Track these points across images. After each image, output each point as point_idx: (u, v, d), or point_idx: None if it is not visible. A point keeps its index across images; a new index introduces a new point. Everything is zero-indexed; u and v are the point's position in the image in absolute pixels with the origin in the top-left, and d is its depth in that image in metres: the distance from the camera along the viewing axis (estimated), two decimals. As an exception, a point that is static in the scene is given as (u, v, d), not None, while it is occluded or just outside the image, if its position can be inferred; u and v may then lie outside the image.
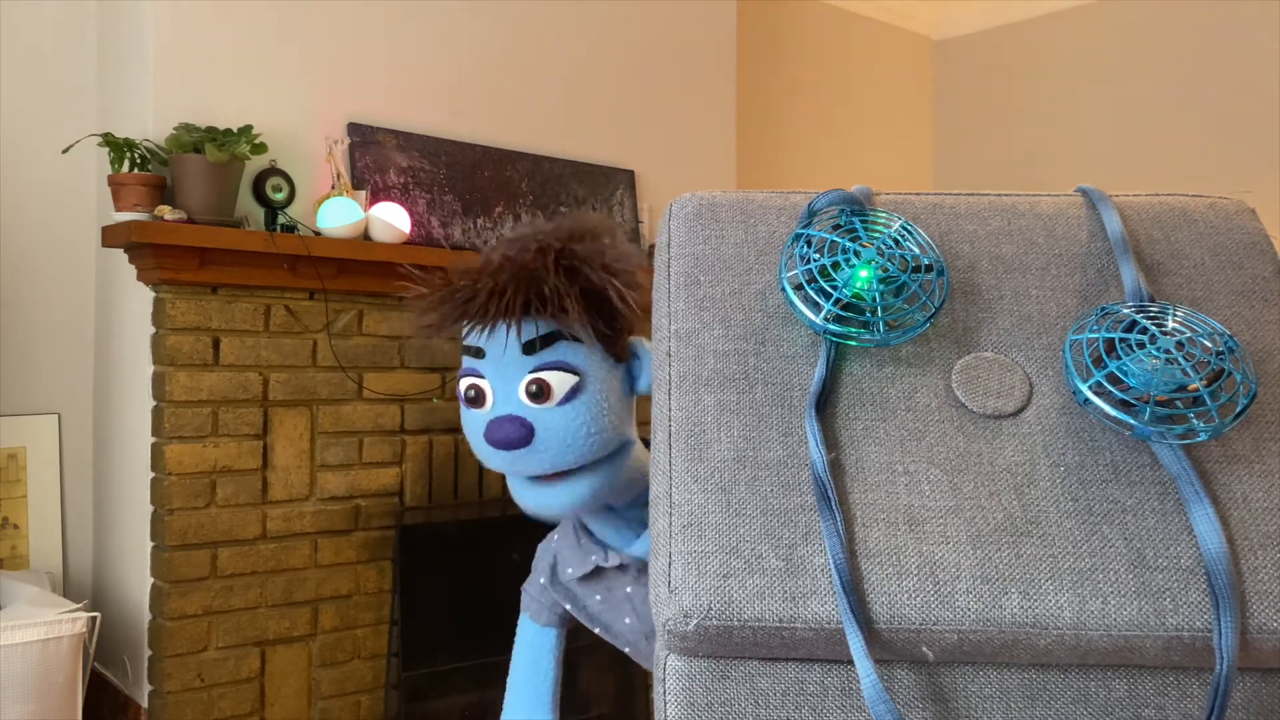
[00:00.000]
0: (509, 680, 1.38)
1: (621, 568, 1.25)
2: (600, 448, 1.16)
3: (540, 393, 1.13)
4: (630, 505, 1.24)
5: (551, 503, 1.17)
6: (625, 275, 1.17)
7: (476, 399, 1.15)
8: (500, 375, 1.15)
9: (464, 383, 1.18)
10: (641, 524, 1.24)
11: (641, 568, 1.24)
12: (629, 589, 1.25)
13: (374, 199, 2.73)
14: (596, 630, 1.33)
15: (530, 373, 1.14)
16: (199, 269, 2.41)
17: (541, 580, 1.35)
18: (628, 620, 1.26)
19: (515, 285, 1.13)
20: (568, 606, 1.34)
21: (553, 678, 1.37)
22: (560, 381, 1.14)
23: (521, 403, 1.14)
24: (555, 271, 1.12)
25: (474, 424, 1.17)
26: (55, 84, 2.77)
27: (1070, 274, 0.86)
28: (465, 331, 1.19)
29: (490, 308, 1.13)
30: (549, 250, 1.14)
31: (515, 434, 1.11)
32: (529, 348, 1.15)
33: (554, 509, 1.18)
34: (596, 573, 1.27)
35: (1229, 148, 4.04)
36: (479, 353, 1.16)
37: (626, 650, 1.33)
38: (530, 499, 1.18)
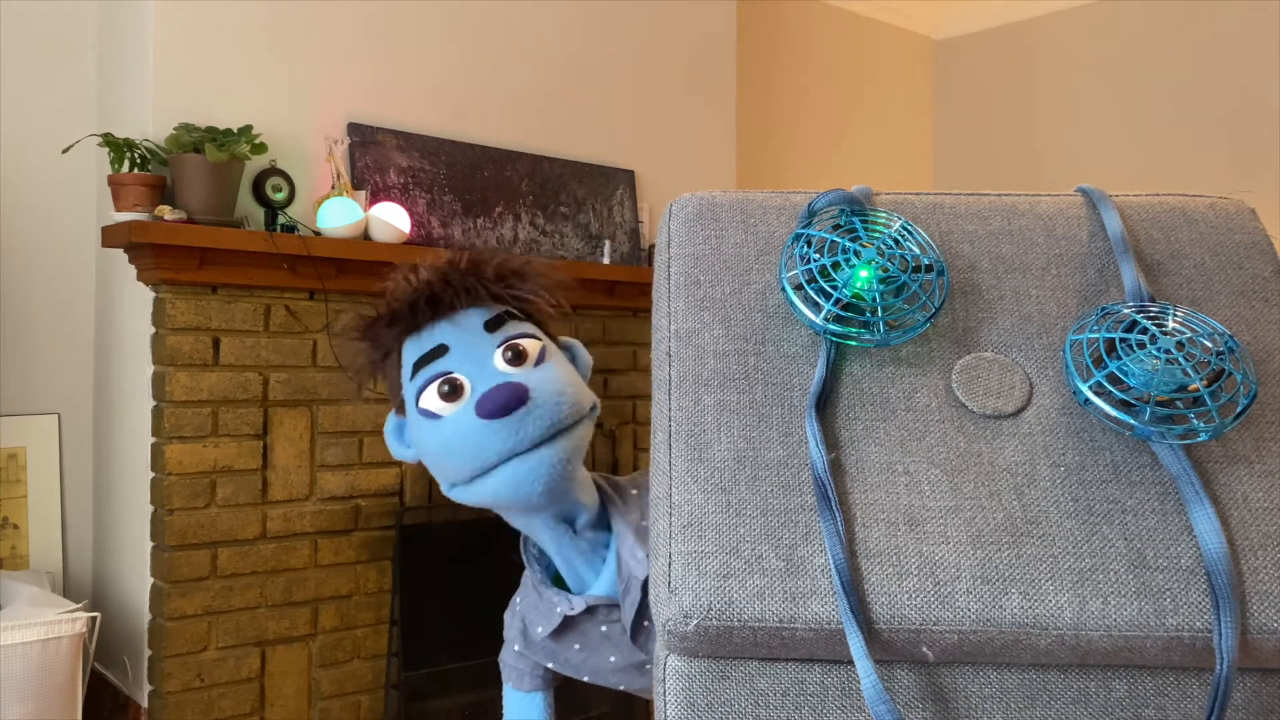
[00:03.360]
0: None
1: (589, 611, 1.22)
2: (582, 400, 1.16)
3: (518, 356, 1.14)
4: (592, 526, 1.22)
5: (532, 465, 1.11)
6: (522, 271, 1.22)
7: (453, 392, 1.12)
8: (471, 359, 1.14)
9: (434, 386, 1.13)
10: (604, 545, 1.22)
11: (610, 605, 1.21)
12: (603, 629, 1.23)
13: (374, 199, 2.73)
14: (586, 679, 1.30)
15: (499, 344, 1.15)
16: (199, 269, 2.41)
17: (516, 648, 1.33)
18: (612, 659, 1.25)
19: (454, 279, 1.18)
20: (550, 665, 1.31)
21: None
22: (532, 346, 1.16)
23: (503, 372, 1.13)
24: (468, 270, 1.19)
25: (456, 423, 1.12)
26: (55, 84, 2.77)
27: (1070, 274, 0.86)
28: (410, 354, 1.18)
29: (444, 300, 1.17)
30: (453, 261, 1.20)
31: (515, 393, 1.09)
32: (490, 325, 1.17)
33: (538, 473, 1.11)
34: (567, 623, 1.24)
35: (1229, 148, 4.04)
36: (440, 351, 1.15)
37: (622, 688, 1.30)
38: (506, 472, 1.12)
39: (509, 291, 1.20)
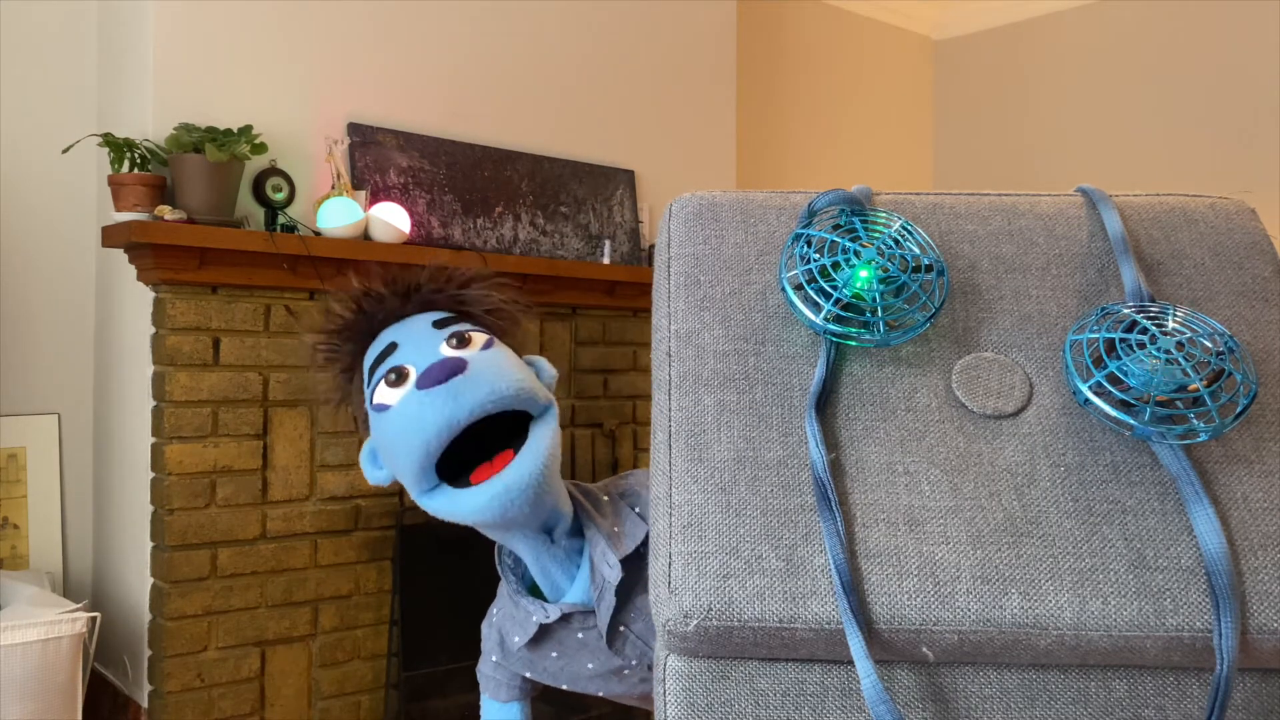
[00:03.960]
0: None
1: (565, 618, 1.22)
2: (530, 388, 1.16)
3: (462, 342, 1.16)
4: (567, 534, 1.22)
5: (511, 481, 1.11)
6: (464, 274, 1.25)
7: (400, 377, 1.13)
8: (417, 350, 1.16)
9: (383, 377, 1.15)
10: (578, 552, 1.22)
11: (585, 612, 1.21)
12: (580, 635, 1.23)
13: (374, 199, 2.73)
14: (564, 686, 1.30)
15: (446, 337, 1.17)
16: (199, 269, 2.41)
17: (494, 658, 1.33)
18: (590, 665, 1.25)
19: (396, 286, 1.22)
20: (527, 674, 1.31)
21: None
22: (478, 336, 1.18)
23: (443, 354, 1.15)
24: (426, 281, 1.23)
25: (402, 406, 1.12)
26: (55, 84, 2.77)
27: (1070, 274, 0.86)
28: (366, 360, 1.21)
29: (389, 302, 1.21)
30: (435, 275, 1.24)
31: (451, 363, 1.11)
32: (440, 324, 1.19)
33: (519, 486, 1.11)
34: (543, 631, 1.24)
35: (1229, 148, 4.04)
36: (390, 349, 1.17)
37: (601, 694, 1.31)
38: (487, 491, 1.11)
39: (458, 295, 1.23)
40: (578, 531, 1.22)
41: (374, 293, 1.22)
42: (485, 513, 1.12)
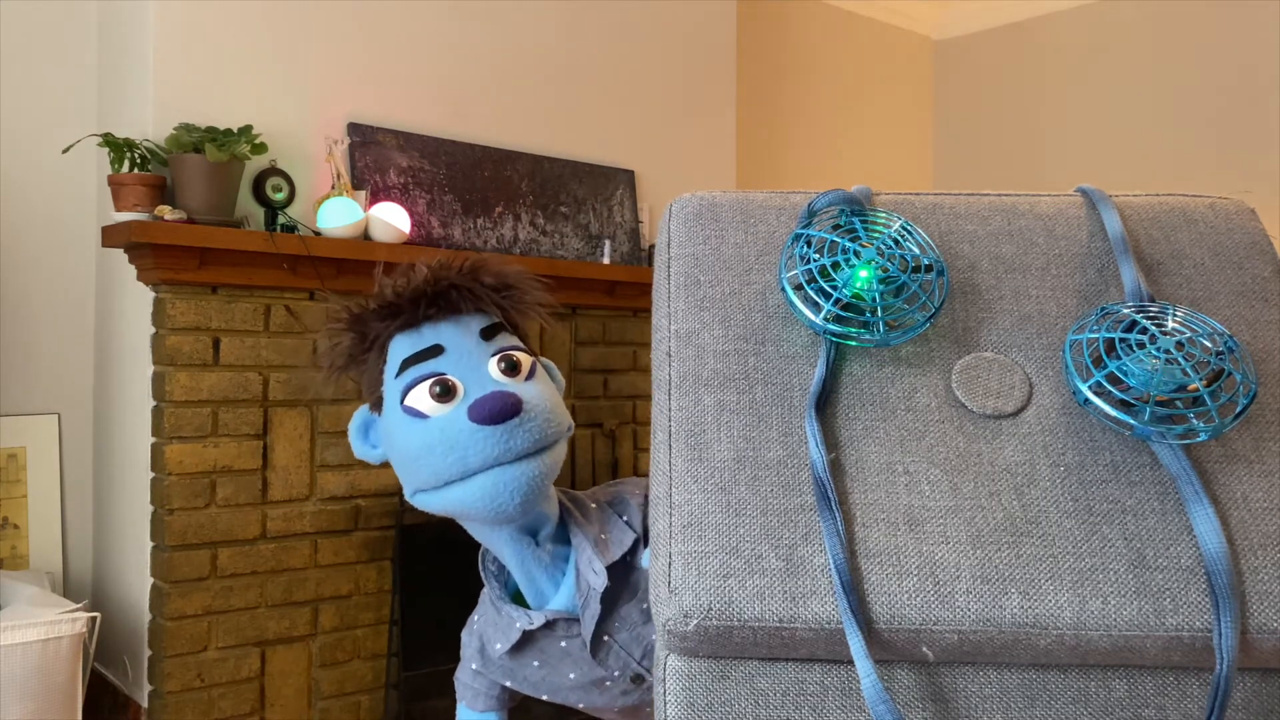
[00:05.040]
0: None
1: (549, 625, 1.21)
2: (565, 418, 1.17)
3: (512, 367, 1.14)
4: (552, 539, 1.21)
5: (512, 477, 1.10)
6: (508, 276, 1.22)
7: (447, 392, 1.11)
8: (466, 364, 1.13)
9: (426, 384, 1.12)
10: (563, 559, 1.22)
11: (569, 619, 1.20)
12: (563, 644, 1.22)
13: (374, 199, 2.73)
14: (544, 697, 1.28)
15: (495, 354, 1.15)
16: (199, 269, 2.41)
17: (473, 666, 1.31)
18: (571, 675, 1.23)
19: (458, 281, 1.17)
20: (507, 683, 1.30)
21: None
22: (525, 359, 1.17)
23: (497, 381, 1.13)
24: (469, 273, 1.19)
25: (444, 424, 1.10)
26: (55, 84, 2.77)
27: (1070, 274, 0.86)
28: (399, 351, 1.17)
29: (446, 300, 1.16)
30: (454, 262, 1.20)
31: (510, 401, 1.09)
32: (487, 333, 1.16)
33: (517, 485, 1.11)
34: (526, 639, 1.23)
35: (1229, 148, 4.04)
36: (435, 351, 1.14)
37: (581, 706, 1.29)
38: (485, 480, 1.11)
39: (506, 301, 1.20)
40: (564, 538, 1.21)
41: (417, 278, 1.18)
42: (475, 504, 1.12)
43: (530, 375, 1.16)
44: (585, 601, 1.17)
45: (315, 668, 2.63)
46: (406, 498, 1.19)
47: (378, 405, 1.20)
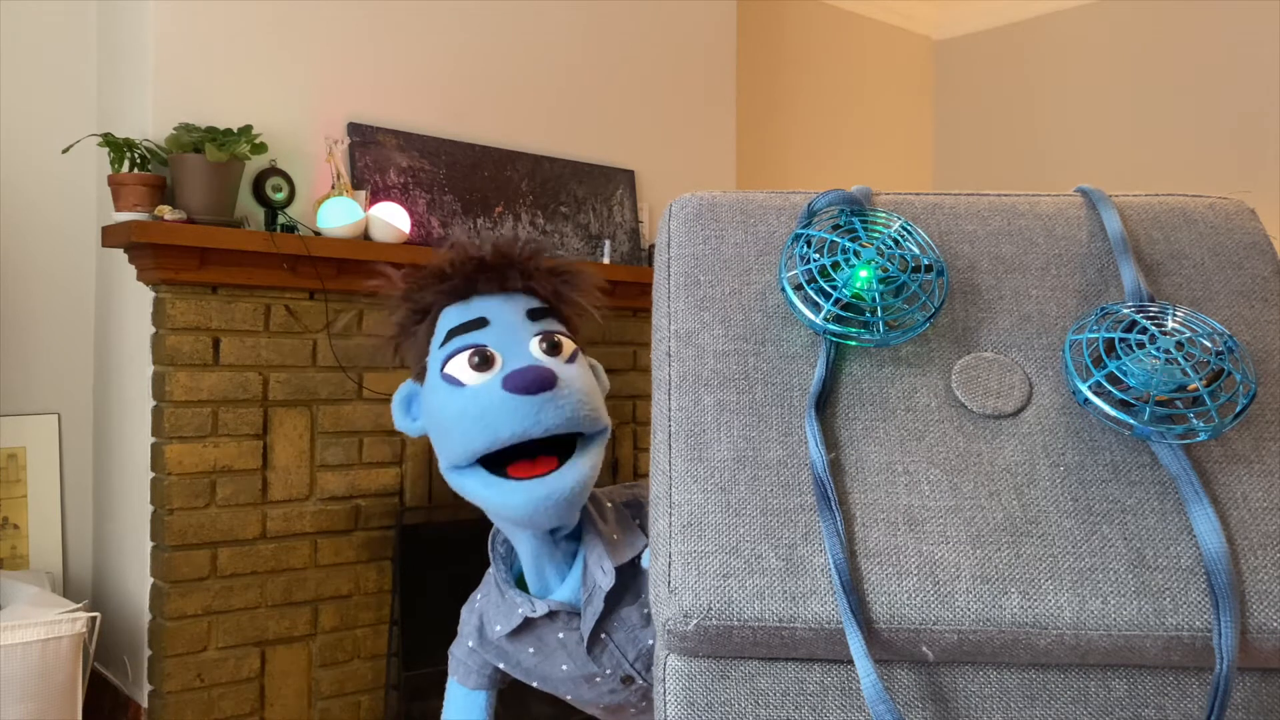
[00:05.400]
0: None
1: (550, 615, 1.21)
2: (601, 410, 1.18)
3: (553, 348, 1.16)
4: (568, 536, 1.21)
5: (555, 487, 1.11)
6: (573, 278, 1.23)
7: (485, 362, 1.12)
8: (508, 338, 1.15)
9: (465, 355, 1.13)
10: (571, 556, 1.22)
11: (570, 612, 1.21)
12: (560, 635, 1.22)
13: (374, 199, 2.73)
14: (534, 684, 1.29)
15: (538, 334, 1.16)
16: (199, 269, 2.41)
17: (470, 644, 1.31)
18: (564, 667, 1.24)
19: (515, 258, 1.19)
20: (501, 665, 1.30)
21: None
22: (567, 343, 1.18)
23: (535, 357, 1.14)
24: (529, 254, 1.20)
25: (478, 393, 1.11)
26: (55, 84, 2.77)
27: (1070, 274, 0.86)
28: (446, 322, 1.18)
29: (500, 274, 1.18)
30: (513, 245, 1.21)
31: (544, 374, 1.09)
32: (534, 314, 1.18)
33: (562, 492, 1.12)
34: (526, 625, 1.23)
35: (1229, 147, 4.04)
36: (480, 323, 1.16)
37: (568, 698, 1.30)
38: (527, 491, 1.11)
39: (561, 288, 1.21)
40: (575, 533, 1.22)
41: (477, 255, 1.20)
42: (516, 510, 1.13)
43: (572, 359, 1.17)
44: (590, 597, 1.18)
45: (315, 668, 2.63)
46: (441, 471, 1.20)
47: (421, 376, 1.21)
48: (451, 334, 1.16)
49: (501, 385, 1.10)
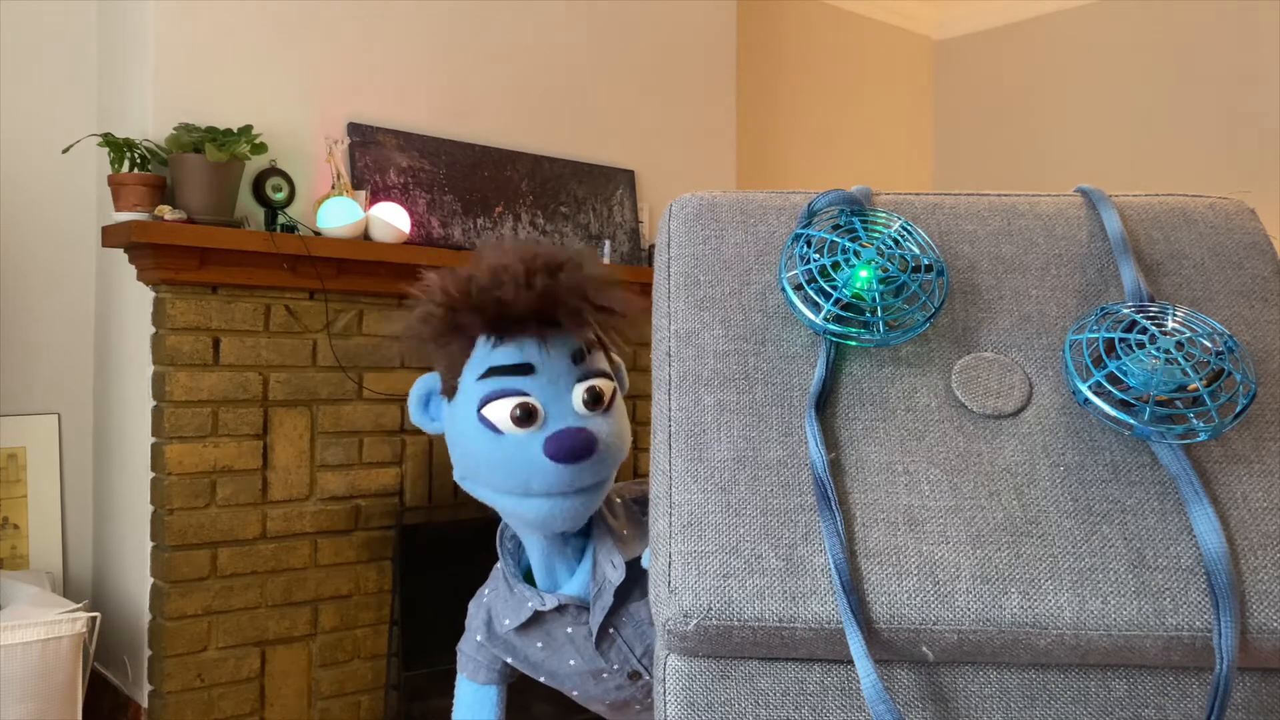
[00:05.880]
0: None
1: (559, 609, 1.21)
2: (626, 450, 1.18)
3: (595, 400, 1.12)
4: (577, 532, 1.21)
5: (570, 507, 1.13)
6: (614, 300, 1.16)
7: (528, 417, 1.09)
8: (552, 390, 1.11)
9: (508, 403, 1.09)
10: (580, 552, 1.22)
11: (579, 606, 1.21)
12: (569, 630, 1.22)
13: (374, 199, 2.73)
14: (541, 679, 1.29)
15: (581, 380, 1.12)
16: (199, 269, 2.41)
17: (478, 638, 1.31)
18: (572, 662, 1.24)
19: (564, 299, 1.11)
20: (508, 659, 1.30)
21: None
22: (607, 388, 1.14)
23: (577, 413, 1.11)
24: (578, 293, 1.12)
25: (517, 446, 1.10)
26: (55, 84, 2.77)
27: (1070, 274, 0.86)
28: (487, 352, 1.12)
29: (532, 320, 1.10)
30: (555, 269, 1.12)
31: (586, 443, 1.08)
32: (578, 356, 1.13)
33: (572, 514, 1.13)
34: (534, 619, 1.23)
35: (1229, 148, 4.04)
36: (526, 369, 1.11)
37: (574, 694, 1.30)
38: (543, 505, 1.12)
39: (604, 320, 1.15)
40: (585, 529, 1.22)
41: (517, 274, 1.10)
42: (530, 519, 1.14)
43: (609, 405, 1.14)
44: (599, 592, 1.18)
45: (315, 668, 2.63)
46: (455, 478, 1.20)
47: (449, 390, 1.17)
48: (492, 371, 1.11)
49: (543, 449, 1.08)
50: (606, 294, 1.14)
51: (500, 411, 1.10)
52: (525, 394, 1.10)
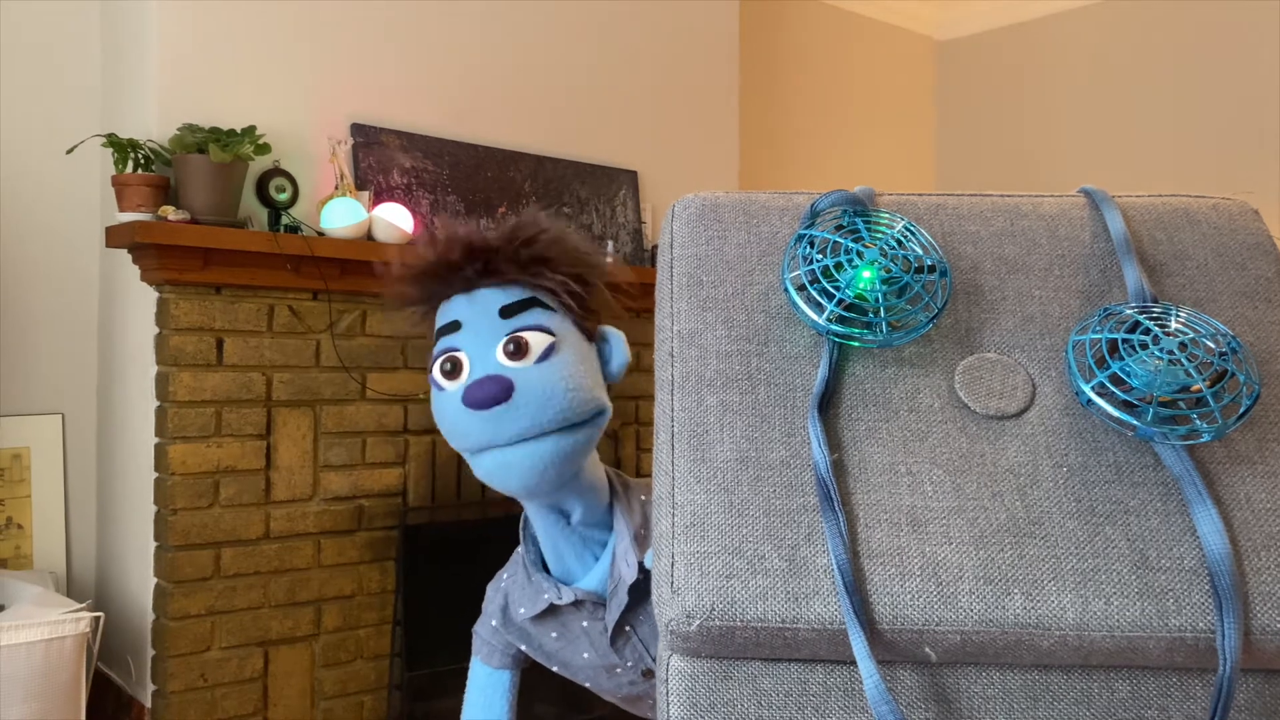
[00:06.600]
0: None
1: (576, 603, 1.21)
2: (579, 405, 1.13)
3: (518, 350, 1.12)
4: (590, 525, 1.21)
5: (511, 461, 1.10)
6: (581, 262, 1.18)
7: (453, 370, 1.12)
8: (477, 342, 1.13)
9: (439, 361, 1.14)
10: (600, 544, 1.21)
11: (596, 602, 1.21)
12: (584, 623, 1.22)
13: (377, 199, 2.73)
14: (555, 668, 1.29)
15: (507, 334, 1.13)
16: (202, 269, 2.42)
17: (493, 623, 1.31)
18: (585, 655, 1.24)
19: (477, 252, 1.15)
20: (522, 646, 1.30)
21: None
22: (537, 340, 1.13)
23: (499, 363, 1.11)
24: (523, 244, 1.16)
25: (449, 401, 1.12)
26: (59, 84, 2.77)
27: (1073, 275, 0.86)
28: (438, 314, 1.17)
29: (462, 274, 1.14)
30: (512, 236, 1.16)
31: (494, 389, 1.08)
32: (506, 311, 1.14)
33: (514, 471, 1.11)
34: (550, 610, 1.23)
35: (1232, 148, 4.04)
36: (454, 326, 1.14)
37: (587, 685, 1.30)
38: (489, 459, 1.11)
39: (532, 279, 1.16)
40: (607, 523, 1.22)
41: (448, 257, 1.16)
42: (480, 475, 1.15)
43: (546, 356, 1.13)
44: (615, 589, 1.18)
45: (318, 668, 2.64)
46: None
47: None
48: (438, 334, 1.17)
49: (461, 399, 1.10)
50: (537, 244, 1.16)
51: (436, 368, 1.15)
52: (455, 348, 1.13)
